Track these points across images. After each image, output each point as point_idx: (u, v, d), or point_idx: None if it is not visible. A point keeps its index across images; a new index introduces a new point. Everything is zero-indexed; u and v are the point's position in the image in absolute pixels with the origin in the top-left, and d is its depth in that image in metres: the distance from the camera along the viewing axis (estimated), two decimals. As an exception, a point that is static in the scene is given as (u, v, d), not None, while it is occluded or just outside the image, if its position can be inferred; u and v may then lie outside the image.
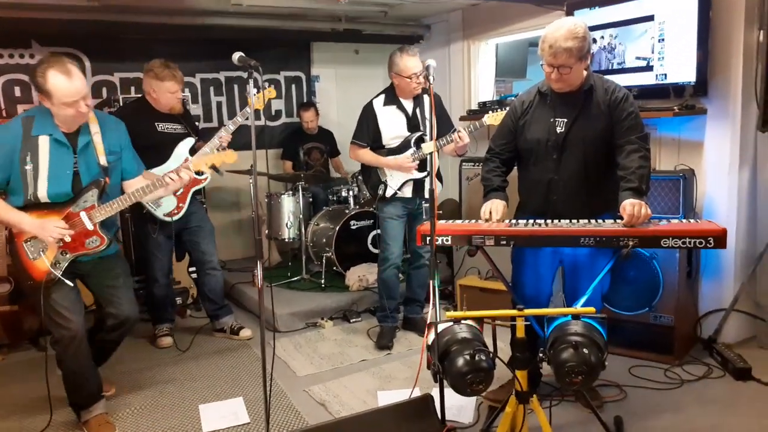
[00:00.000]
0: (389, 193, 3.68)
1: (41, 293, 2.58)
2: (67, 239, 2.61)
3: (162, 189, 2.77)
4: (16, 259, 2.66)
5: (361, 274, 4.59)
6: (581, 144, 2.64)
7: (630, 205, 2.39)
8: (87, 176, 2.65)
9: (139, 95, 3.87)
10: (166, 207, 3.62)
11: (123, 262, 2.97)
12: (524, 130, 2.77)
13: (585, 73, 2.63)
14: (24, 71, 4.67)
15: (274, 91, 3.74)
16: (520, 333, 2.13)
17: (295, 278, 4.85)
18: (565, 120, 2.66)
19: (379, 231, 3.98)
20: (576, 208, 2.65)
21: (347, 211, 4.80)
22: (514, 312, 2.12)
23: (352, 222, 4.76)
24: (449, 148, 3.53)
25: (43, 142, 2.57)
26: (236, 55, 2.43)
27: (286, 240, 5.00)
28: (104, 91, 4.99)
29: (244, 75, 5.52)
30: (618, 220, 2.49)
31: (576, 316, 2.17)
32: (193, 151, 3.70)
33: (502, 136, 2.88)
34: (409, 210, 3.77)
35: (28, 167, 2.55)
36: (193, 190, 3.73)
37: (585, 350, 2.05)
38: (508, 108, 3.01)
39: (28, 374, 3.49)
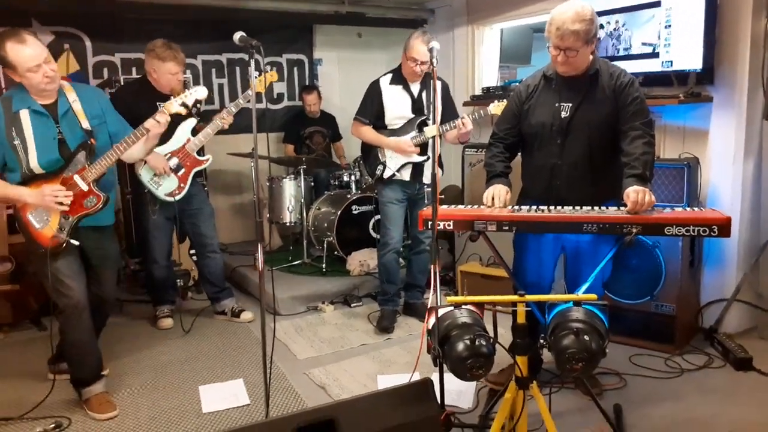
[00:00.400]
0: (387, 174, 3.67)
1: (47, 260, 2.67)
2: (67, 201, 2.67)
3: (143, 139, 2.81)
4: (25, 232, 2.74)
5: (362, 259, 4.59)
6: (586, 129, 2.62)
7: (634, 192, 2.37)
8: (73, 141, 2.72)
9: (140, 76, 3.84)
10: (167, 187, 3.61)
11: (115, 244, 3.07)
12: (528, 114, 2.74)
13: (591, 57, 2.60)
14: (24, 50, 4.62)
15: (276, 74, 3.70)
16: (521, 319, 2.12)
17: (296, 262, 4.84)
18: (570, 104, 2.63)
19: (380, 216, 3.97)
20: (579, 194, 2.63)
21: (349, 196, 4.78)
22: (515, 297, 2.10)
23: (353, 207, 4.74)
24: (452, 134, 3.51)
25: (24, 116, 2.65)
26: (237, 35, 2.41)
27: (288, 224, 4.99)
28: (105, 71, 4.95)
29: (246, 57, 5.55)
30: (621, 207, 2.47)
31: (577, 303, 2.16)
32: (194, 131, 3.69)
33: (507, 121, 2.85)
34: (409, 195, 3.75)
35: (17, 142, 2.63)
36: (194, 171, 3.71)
37: (586, 337, 2.03)
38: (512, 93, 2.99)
39: (28, 352, 3.50)
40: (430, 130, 3.43)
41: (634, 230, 2.32)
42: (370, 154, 3.77)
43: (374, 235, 4.70)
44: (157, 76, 3.59)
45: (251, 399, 2.95)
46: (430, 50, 2.39)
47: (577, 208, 2.50)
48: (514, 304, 2.14)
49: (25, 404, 2.90)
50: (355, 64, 6.07)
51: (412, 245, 3.95)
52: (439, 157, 3.78)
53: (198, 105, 3.03)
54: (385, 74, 3.70)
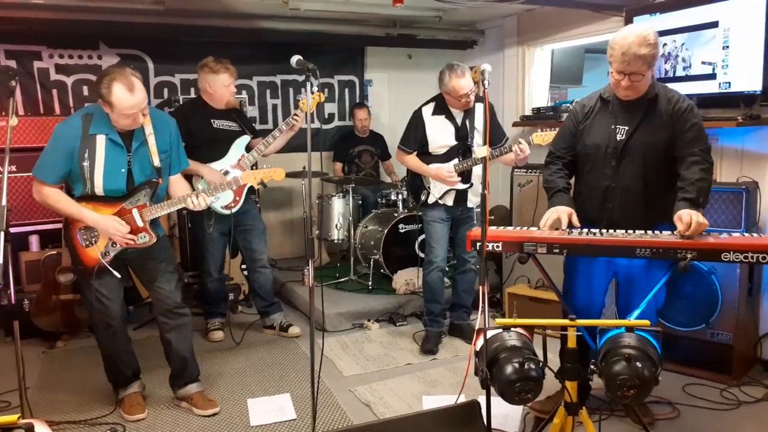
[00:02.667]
0: (431, 200, 3.70)
1: (89, 279, 2.77)
2: (126, 241, 2.74)
3: (192, 204, 2.84)
4: (70, 245, 2.84)
5: (409, 278, 4.60)
6: (641, 152, 2.59)
7: (687, 215, 2.33)
8: (140, 175, 2.77)
9: (196, 96, 4.00)
10: (223, 200, 3.73)
11: (167, 250, 3.03)
12: (583, 135, 2.73)
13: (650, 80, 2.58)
14: (92, 71, 4.88)
15: (323, 95, 3.81)
16: (572, 343, 2.10)
17: (343, 279, 4.90)
18: (626, 128, 2.60)
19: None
20: (632, 217, 2.60)
21: (396, 215, 4.82)
22: (566, 321, 2.09)
23: (400, 225, 4.78)
24: (509, 158, 3.51)
25: (100, 141, 2.69)
26: (294, 59, 2.49)
27: (335, 241, 5.06)
28: (165, 91, 5.17)
29: (300, 78, 5.71)
30: (675, 231, 2.42)
31: (629, 329, 2.13)
32: (248, 148, 3.82)
33: (563, 140, 2.84)
34: (453, 214, 3.76)
35: (86, 164, 2.67)
36: (248, 186, 3.82)
37: (638, 363, 2.00)
38: (557, 129, 2.98)
39: (87, 359, 3.62)
40: (481, 151, 3.44)
41: (689, 256, 2.27)
42: (414, 179, 3.82)
43: (420, 254, 4.71)
44: (212, 90, 3.73)
45: (297, 414, 2.98)
46: (482, 72, 2.42)
47: (630, 231, 2.47)
48: (564, 328, 2.12)
49: (82, 408, 3.03)
50: (405, 85, 6.14)
51: (457, 265, 3.94)
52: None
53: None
54: (427, 103, 3.73)
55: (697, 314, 3.28)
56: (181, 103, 4.76)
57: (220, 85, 3.72)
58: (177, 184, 2.96)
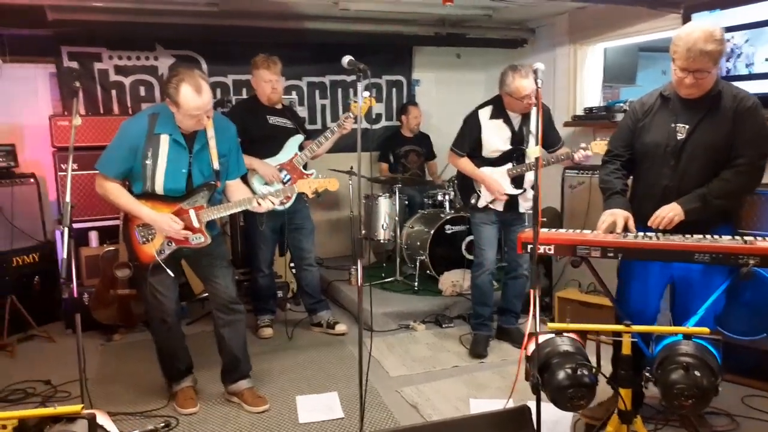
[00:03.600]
0: (481, 204, 3.66)
1: (145, 275, 2.87)
2: (181, 238, 2.83)
3: (257, 205, 2.90)
4: (127, 240, 2.93)
5: (455, 280, 4.57)
6: (702, 151, 2.50)
7: (661, 209, 2.44)
8: (199, 177, 2.84)
9: (251, 95, 4.08)
10: None
11: (222, 248, 3.11)
12: (642, 133, 2.66)
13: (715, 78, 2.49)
14: (148, 72, 5.04)
15: (374, 101, 3.83)
16: (627, 350, 2.05)
17: (389, 279, 4.91)
18: (687, 126, 2.52)
19: (473, 237, 3.95)
20: (689, 217, 2.51)
21: (442, 216, 4.79)
22: (621, 327, 2.03)
23: (447, 226, 4.75)
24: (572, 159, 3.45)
25: (164, 141, 2.77)
26: (346, 59, 2.50)
27: (382, 241, 5.07)
28: (218, 92, 5.28)
29: (348, 79, 5.75)
30: (737, 237, 2.33)
31: (688, 336, 2.06)
32: (301, 147, 3.88)
33: (622, 138, 2.77)
34: (503, 217, 3.71)
35: (149, 162, 2.75)
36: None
37: (696, 372, 1.94)
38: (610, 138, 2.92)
39: (141, 353, 3.73)
40: (534, 151, 3.39)
41: (752, 262, 2.19)
42: (465, 182, 3.78)
43: (467, 255, 4.68)
44: (256, 85, 3.86)
45: (345, 413, 3.01)
46: (535, 72, 2.38)
47: (688, 235, 2.39)
48: (618, 334, 2.07)
49: (138, 400, 3.13)
50: (453, 85, 6.11)
51: (507, 269, 3.89)
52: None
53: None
54: (484, 105, 3.65)
55: (757, 323, 3.15)
56: (233, 103, 4.86)
57: (261, 81, 3.82)
58: (236, 188, 3.03)
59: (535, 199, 2.28)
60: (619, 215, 2.51)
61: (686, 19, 3.68)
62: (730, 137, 2.47)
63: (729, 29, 3.48)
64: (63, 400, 3.17)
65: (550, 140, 3.60)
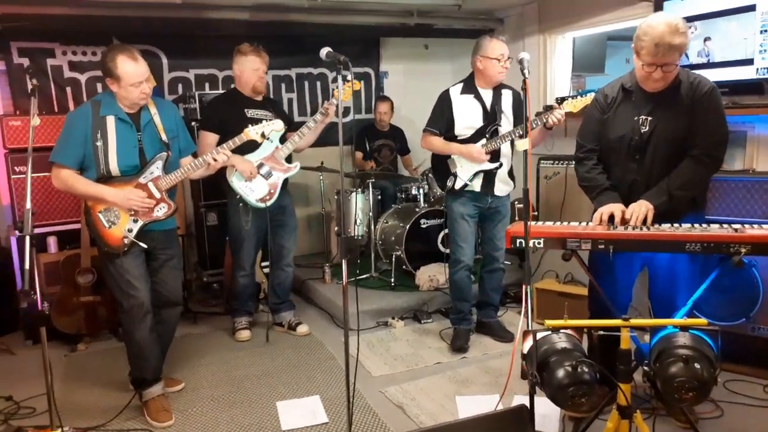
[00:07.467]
0: (459, 184, 3.58)
1: (117, 261, 2.81)
2: (148, 206, 2.83)
3: (205, 167, 2.98)
4: (93, 228, 2.86)
5: (432, 274, 4.51)
6: (665, 143, 2.50)
7: (637, 205, 2.44)
8: (150, 151, 2.88)
9: (216, 91, 3.92)
10: (258, 192, 3.67)
11: (178, 249, 3.16)
12: (607, 127, 2.63)
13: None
14: (105, 68, 4.80)
15: (359, 83, 3.74)
16: (625, 344, 2.01)
17: (364, 276, 4.81)
18: (650, 118, 2.51)
19: (449, 232, 3.88)
20: (659, 211, 2.49)
21: (417, 210, 4.72)
22: (619, 322, 1.99)
23: (422, 220, 4.68)
24: (535, 132, 3.40)
25: (110, 122, 2.80)
26: (324, 51, 2.43)
27: (355, 237, 4.97)
28: (180, 87, 5.07)
29: (315, 72, 5.61)
30: (725, 225, 2.32)
31: (684, 328, 2.03)
32: (282, 139, 3.75)
33: (592, 131, 2.74)
34: (480, 209, 3.65)
35: (99, 143, 2.78)
36: (283, 178, 3.76)
37: (696, 365, 1.91)
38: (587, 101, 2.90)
39: (109, 362, 3.56)
40: (522, 144, 3.34)
41: (743, 250, 2.18)
42: (440, 166, 3.70)
43: (443, 249, 4.61)
44: (239, 73, 3.72)
45: (329, 416, 2.91)
46: (521, 61, 2.32)
47: (677, 225, 2.37)
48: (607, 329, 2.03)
49: (108, 413, 2.96)
50: (421, 76, 6.04)
51: (484, 262, 3.84)
52: (510, 169, 3.70)
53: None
54: (455, 84, 3.64)
55: (736, 308, 3.17)
56: (196, 99, 4.68)
57: (248, 68, 3.71)
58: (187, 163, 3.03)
59: (525, 192, 2.22)
60: (616, 208, 2.50)
61: (657, 7, 3.66)
62: (691, 126, 2.47)
63: (701, 17, 3.49)
64: (27, 417, 2.98)
65: (520, 122, 3.55)
